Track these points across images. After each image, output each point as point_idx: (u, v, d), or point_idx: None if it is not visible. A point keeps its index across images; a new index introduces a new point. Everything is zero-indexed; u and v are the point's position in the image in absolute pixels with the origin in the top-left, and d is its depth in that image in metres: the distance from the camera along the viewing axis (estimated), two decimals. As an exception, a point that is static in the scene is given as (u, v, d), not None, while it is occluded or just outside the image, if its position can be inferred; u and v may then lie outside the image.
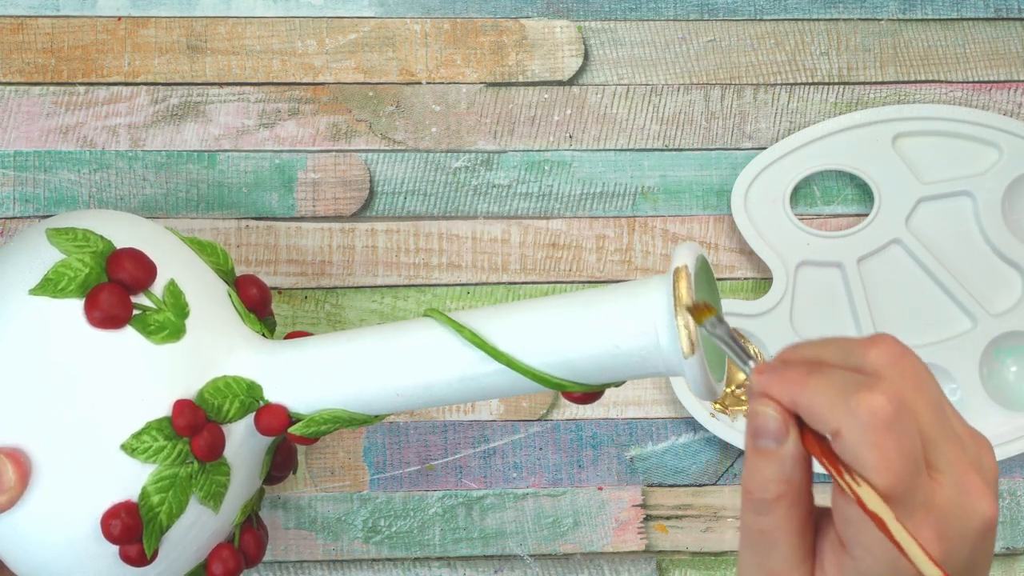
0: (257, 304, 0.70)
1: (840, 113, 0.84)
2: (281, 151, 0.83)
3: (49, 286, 0.62)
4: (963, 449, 0.50)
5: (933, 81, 0.85)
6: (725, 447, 0.82)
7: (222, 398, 0.64)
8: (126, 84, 0.83)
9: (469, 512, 0.81)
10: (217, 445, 0.63)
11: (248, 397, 0.64)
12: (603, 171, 0.83)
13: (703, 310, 0.56)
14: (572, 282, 0.83)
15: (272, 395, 0.64)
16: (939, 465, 0.49)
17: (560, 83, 0.84)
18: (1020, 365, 0.82)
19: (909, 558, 0.47)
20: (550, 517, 0.81)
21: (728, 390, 0.81)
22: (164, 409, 0.62)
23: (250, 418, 0.64)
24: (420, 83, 0.84)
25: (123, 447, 0.61)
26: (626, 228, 0.83)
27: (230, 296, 0.68)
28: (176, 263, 0.66)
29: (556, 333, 0.60)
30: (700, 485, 0.82)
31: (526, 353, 0.60)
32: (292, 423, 0.64)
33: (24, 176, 0.82)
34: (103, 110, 0.83)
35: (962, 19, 0.85)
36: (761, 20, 0.85)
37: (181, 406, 0.62)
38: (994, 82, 0.85)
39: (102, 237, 0.64)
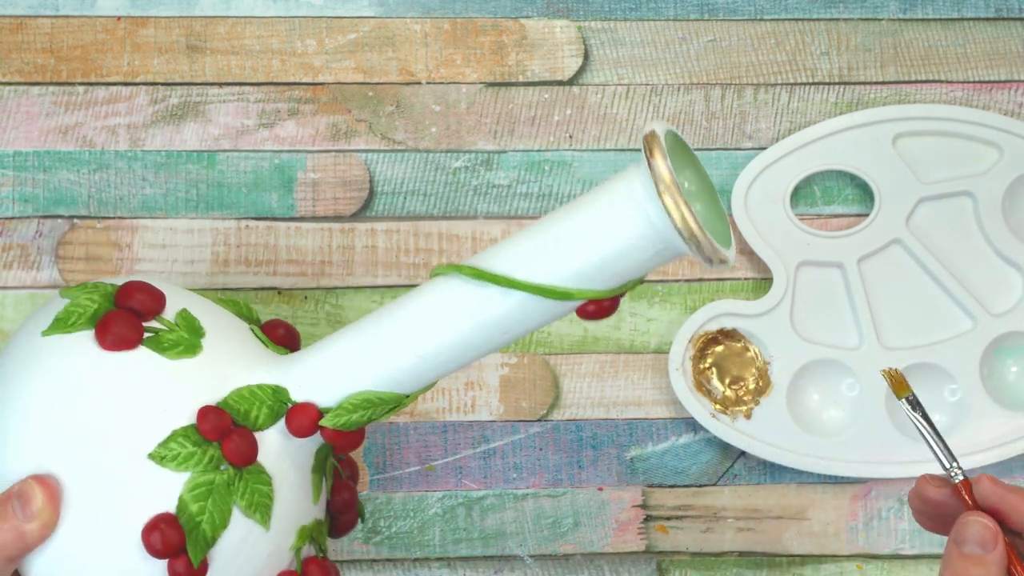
0: (286, 341, 0.69)
1: (840, 113, 0.84)
2: (281, 151, 0.83)
3: (60, 324, 0.63)
4: None
5: (933, 81, 0.85)
6: (725, 448, 0.82)
7: (248, 404, 0.63)
8: (125, 84, 0.83)
9: (469, 512, 0.81)
10: (248, 447, 0.62)
11: (275, 401, 0.63)
12: (603, 171, 0.83)
13: (901, 384, 0.63)
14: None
15: (298, 395, 0.64)
16: None
17: (560, 83, 0.84)
18: (1020, 365, 0.82)
19: None
20: (550, 517, 0.81)
21: (728, 391, 0.81)
22: (189, 417, 0.62)
23: (281, 423, 0.64)
24: (420, 83, 0.84)
25: (151, 456, 0.60)
26: (626, 228, 0.83)
27: (252, 331, 0.68)
28: (189, 300, 0.66)
29: (557, 246, 0.59)
30: (700, 486, 0.82)
31: (536, 273, 0.59)
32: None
33: (24, 176, 0.82)
34: (102, 110, 0.83)
35: (963, 19, 0.85)
36: (761, 20, 0.85)
37: (205, 411, 0.62)
38: (994, 82, 0.85)
39: (111, 284, 0.65)
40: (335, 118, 0.83)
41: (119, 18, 0.83)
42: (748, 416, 0.81)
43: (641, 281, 0.61)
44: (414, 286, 0.82)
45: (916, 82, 0.85)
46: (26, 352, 0.63)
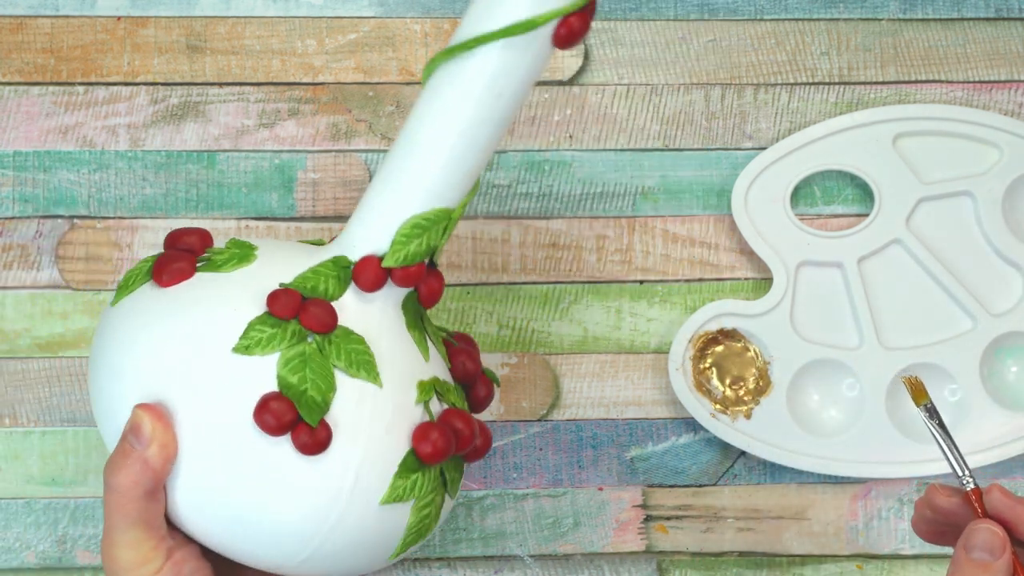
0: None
1: (840, 113, 0.84)
2: (281, 151, 0.83)
3: (122, 291, 0.66)
4: None
5: (933, 81, 0.85)
6: (725, 448, 0.82)
7: (313, 282, 0.64)
8: (126, 84, 0.83)
9: (469, 512, 0.81)
10: (325, 313, 0.63)
11: (338, 269, 0.65)
12: (603, 171, 0.83)
13: (920, 392, 0.65)
14: (572, 282, 0.83)
15: (356, 255, 0.65)
16: None
17: (560, 83, 0.84)
18: (1020, 365, 0.82)
19: None
20: (550, 517, 0.81)
21: (728, 391, 0.81)
22: (260, 308, 0.63)
23: (353, 287, 0.65)
24: (420, 83, 0.84)
25: (236, 350, 0.62)
26: (626, 228, 0.83)
27: (304, 242, 0.70)
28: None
29: None
30: (700, 486, 0.82)
31: (498, 20, 0.61)
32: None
33: (24, 176, 0.82)
34: (103, 110, 0.83)
35: (963, 19, 0.85)
36: (761, 20, 0.85)
37: (274, 294, 0.63)
38: (995, 82, 0.85)
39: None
40: (335, 118, 0.83)
41: (119, 18, 0.84)
42: (748, 416, 0.81)
43: None
44: (414, 286, 0.82)
45: (916, 82, 0.85)
46: (105, 326, 0.66)
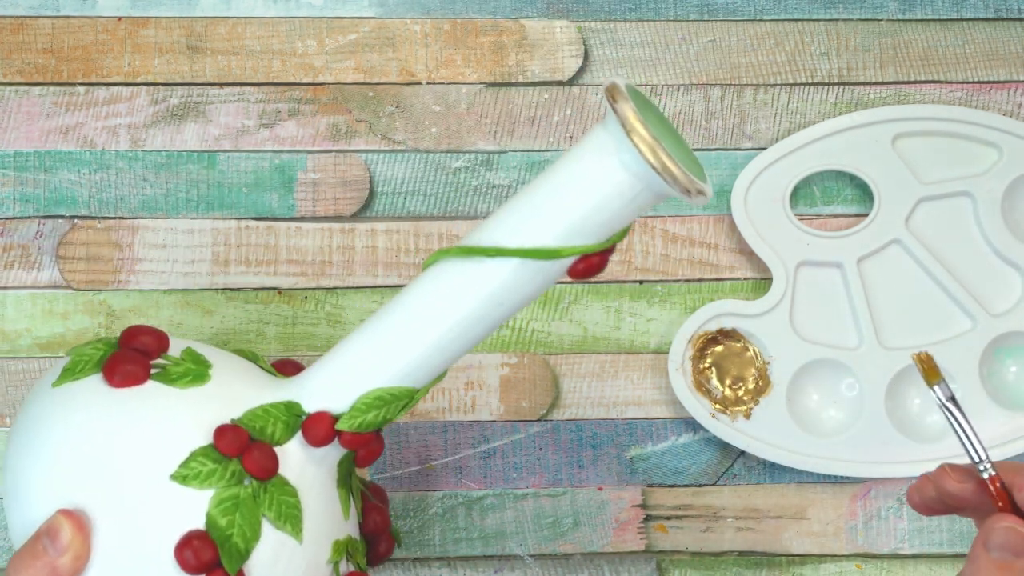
0: (294, 374, 0.69)
1: (840, 113, 0.84)
2: (281, 151, 0.83)
3: (68, 374, 0.64)
4: None
5: (933, 81, 0.85)
6: (725, 447, 0.82)
7: (263, 422, 0.63)
8: (126, 84, 0.83)
9: (469, 512, 0.81)
10: (268, 459, 0.62)
11: (289, 415, 0.64)
12: (603, 171, 0.83)
13: (932, 370, 0.61)
14: (572, 282, 0.83)
15: (311, 406, 0.64)
16: None
17: (560, 83, 0.84)
18: (1020, 365, 0.82)
19: None
20: (550, 517, 0.81)
21: (728, 391, 0.81)
22: (205, 438, 0.62)
23: (299, 436, 0.64)
24: (420, 83, 0.84)
25: (174, 477, 0.61)
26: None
27: (259, 365, 0.69)
28: (191, 343, 0.67)
29: (539, 208, 0.60)
30: (700, 485, 0.82)
31: (522, 238, 0.60)
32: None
33: (24, 176, 0.82)
34: (103, 110, 0.83)
35: (962, 19, 0.85)
36: (761, 20, 0.85)
37: (222, 428, 0.62)
38: (994, 82, 0.85)
39: (114, 337, 0.66)
40: (335, 118, 0.83)
41: (120, 18, 0.84)
42: (748, 416, 0.81)
43: (626, 232, 0.62)
44: (414, 286, 0.82)
45: (915, 82, 0.85)
46: (40, 406, 0.64)
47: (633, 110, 0.57)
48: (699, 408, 0.80)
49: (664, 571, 0.81)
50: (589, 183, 0.59)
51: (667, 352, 0.81)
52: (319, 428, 0.63)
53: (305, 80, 0.83)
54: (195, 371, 0.64)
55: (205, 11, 0.84)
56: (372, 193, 0.83)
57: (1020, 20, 0.85)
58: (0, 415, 0.81)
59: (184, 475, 0.61)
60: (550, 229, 0.60)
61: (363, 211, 0.83)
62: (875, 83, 0.85)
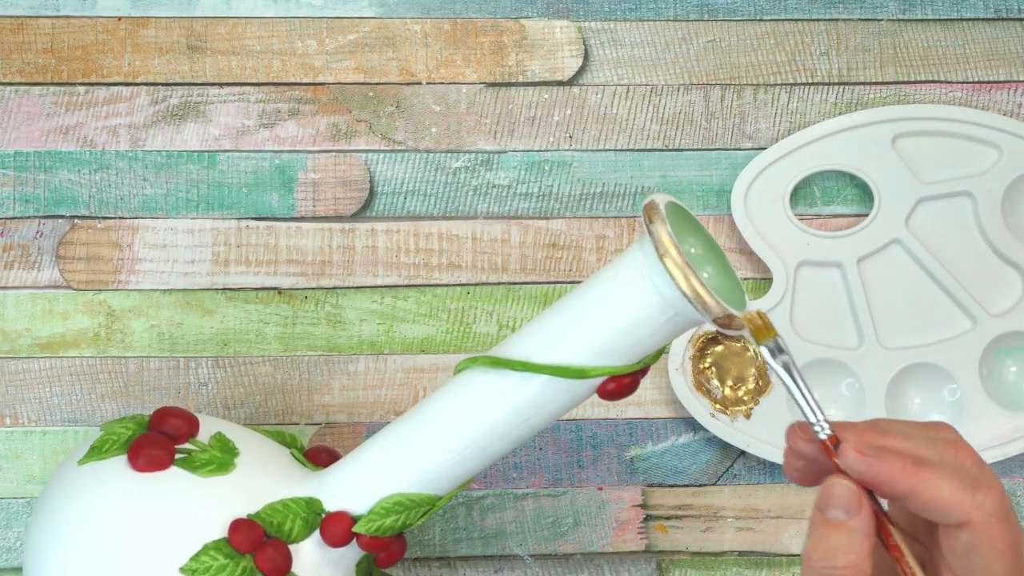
0: (328, 464, 0.69)
1: (840, 113, 0.84)
2: (281, 151, 0.83)
3: (95, 452, 0.64)
4: None
5: (933, 81, 0.85)
6: (725, 447, 0.82)
7: (281, 517, 0.63)
8: (126, 84, 0.83)
9: (469, 512, 0.81)
10: (282, 558, 0.62)
11: (309, 513, 0.63)
12: (603, 171, 0.84)
13: (762, 328, 0.57)
14: (572, 282, 0.83)
15: (332, 505, 0.64)
16: None
17: (560, 83, 0.84)
18: (1020, 365, 0.82)
19: None
20: (550, 517, 0.81)
21: (728, 391, 0.81)
22: (220, 531, 0.62)
23: (317, 535, 0.64)
24: (420, 83, 0.84)
25: (183, 570, 0.61)
26: (626, 228, 0.83)
27: (292, 453, 0.68)
28: (225, 426, 0.67)
29: (570, 326, 0.59)
30: (700, 485, 0.82)
31: (552, 354, 0.59)
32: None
33: (24, 176, 0.82)
34: (103, 110, 0.83)
35: (962, 19, 0.85)
36: (761, 20, 0.85)
37: (237, 523, 0.62)
38: (994, 82, 0.85)
39: (147, 415, 0.66)
40: (335, 118, 0.83)
41: (120, 18, 0.84)
42: (748, 416, 0.81)
43: (660, 354, 0.60)
44: (414, 286, 0.82)
45: (915, 82, 0.85)
46: (66, 483, 0.64)
47: (668, 233, 0.56)
48: (699, 408, 0.80)
49: (664, 571, 0.81)
50: (620, 304, 0.58)
51: (667, 352, 0.81)
52: (337, 529, 0.63)
53: (305, 80, 0.84)
54: (220, 459, 0.64)
55: (205, 11, 0.84)
56: (372, 193, 0.83)
57: (1020, 20, 0.85)
58: (0, 415, 0.81)
59: (194, 568, 0.61)
60: (579, 348, 0.59)
61: (363, 211, 0.83)
62: (875, 83, 0.85)
